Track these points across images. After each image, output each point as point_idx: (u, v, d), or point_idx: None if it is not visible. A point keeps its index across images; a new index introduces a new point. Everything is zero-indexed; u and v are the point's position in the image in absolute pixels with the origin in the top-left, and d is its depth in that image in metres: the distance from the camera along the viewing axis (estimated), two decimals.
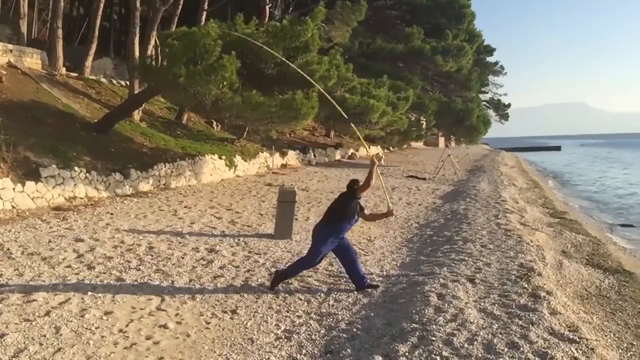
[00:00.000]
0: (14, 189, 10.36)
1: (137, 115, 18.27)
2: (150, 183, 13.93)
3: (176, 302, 5.91)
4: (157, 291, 6.21)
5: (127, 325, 5.19)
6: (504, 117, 70.17)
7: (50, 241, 8.20)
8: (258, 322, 5.46)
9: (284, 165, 22.89)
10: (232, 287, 6.52)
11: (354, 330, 5.30)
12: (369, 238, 9.48)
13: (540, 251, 8.81)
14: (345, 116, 8.48)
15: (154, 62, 16.47)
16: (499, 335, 4.91)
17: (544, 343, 4.74)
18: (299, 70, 9.86)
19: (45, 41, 22.52)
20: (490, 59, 63.77)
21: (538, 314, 5.45)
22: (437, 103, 36.06)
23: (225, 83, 13.18)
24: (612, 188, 26.85)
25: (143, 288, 6.29)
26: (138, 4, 19.24)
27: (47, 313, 5.33)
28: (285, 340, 5.07)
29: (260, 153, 21.37)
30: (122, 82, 22.22)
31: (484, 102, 65.93)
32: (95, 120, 15.47)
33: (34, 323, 5.08)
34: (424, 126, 37.43)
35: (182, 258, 7.70)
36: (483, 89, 65.53)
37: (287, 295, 6.30)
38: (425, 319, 5.32)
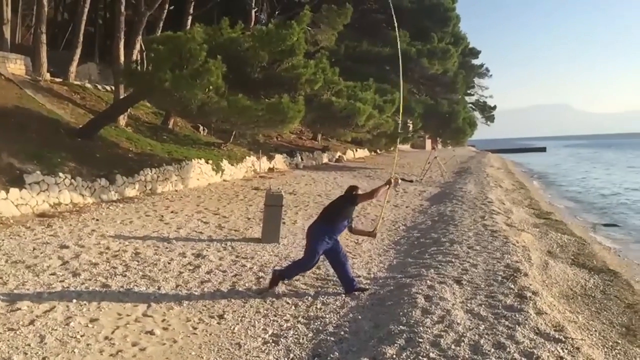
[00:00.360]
0: None
1: (122, 120, 18.16)
2: (136, 188, 13.84)
3: (163, 308, 5.88)
4: (144, 297, 6.17)
5: (112, 332, 5.15)
6: (490, 119, 70.62)
7: (34, 249, 8.11)
8: (245, 327, 5.44)
9: (271, 169, 22.84)
10: (219, 292, 6.50)
11: (342, 333, 5.30)
12: (356, 241, 9.49)
13: (526, 252, 8.87)
14: None
15: (139, 67, 16.38)
16: (486, 336, 4.93)
17: (530, 343, 4.77)
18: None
19: (29, 46, 22.31)
20: (475, 62, 64.30)
21: (524, 314, 5.49)
22: (423, 105, 36.18)
23: (211, 87, 13.14)
24: (595, 188, 27.17)
25: (129, 294, 6.24)
26: (123, 9, 19.14)
27: (32, 322, 5.26)
28: (273, 344, 5.05)
29: (247, 157, 21.32)
30: (108, 87, 22.07)
31: (470, 104, 66.35)
32: (80, 126, 15.35)
33: (18, 332, 5.02)
34: (410, 129, 37.51)
35: (169, 263, 7.66)
36: (469, 91, 65.96)
37: (274, 299, 6.29)
38: (412, 321, 5.33)
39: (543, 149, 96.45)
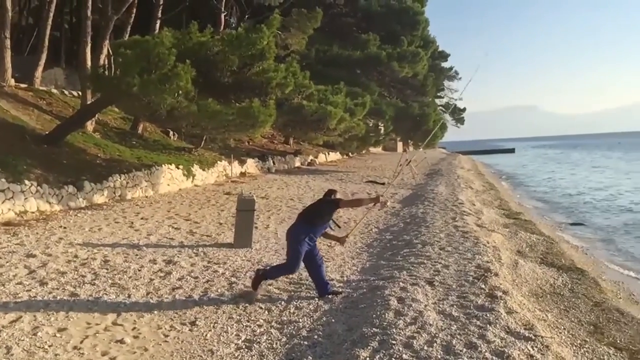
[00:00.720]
0: None
1: (90, 126, 17.85)
2: (105, 195, 13.61)
3: (133, 316, 5.78)
4: (113, 305, 6.06)
5: (81, 342, 5.04)
6: (460, 121, 71.75)
7: (0, 258, 7.90)
8: (218, 333, 5.39)
9: (243, 174, 22.73)
10: (191, 299, 6.42)
11: (315, 337, 5.29)
12: (329, 244, 9.49)
13: (497, 252, 8.99)
14: None
15: (106, 72, 16.14)
16: (458, 336, 4.97)
17: (501, 342, 4.83)
18: None
19: None
20: (445, 65, 65.20)
21: (495, 314, 5.55)
22: (394, 108, 36.48)
23: (180, 92, 13.01)
24: (561, 188, 27.82)
25: (98, 303, 6.12)
26: (89, 13, 18.85)
27: None
28: (246, 350, 5.02)
29: (218, 162, 21.17)
30: (74, 93, 21.65)
31: (440, 107, 67.18)
32: (47, 132, 15.04)
33: None
34: (382, 131, 37.77)
35: (139, 270, 7.54)
36: (439, 94, 66.81)
37: (247, 304, 6.24)
38: (385, 323, 5.35)
39: (512, 150, 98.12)
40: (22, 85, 18.89)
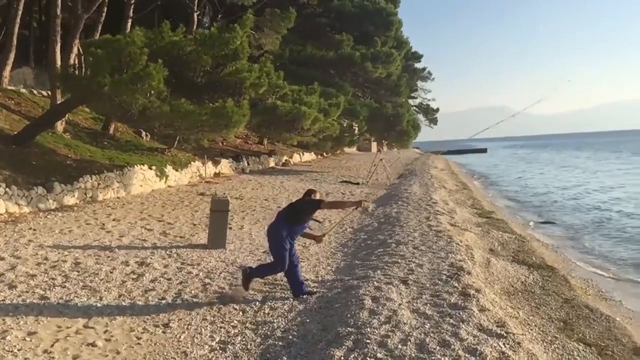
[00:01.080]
0: None
1: (60, 126, 17.52)
2: (76, 196, 13.38)
3: (105, 318, 5.71)
4: (84, 308, 5.97)
5: (52, 346, 4.96)
6: (433, 121, 72.37)
7: None
8: (192, 335, 5.35)
9: (217, 174, 22.57)
10: (164, 300, 6.37)
11: (290, 337, 5.29)
12: (304, 244, 9.49)
13: (470, 250, 9.10)
14: None
15: (77, 72, 15.87)
16: (431, 335, 5.02)
17: (474, 340, 4.89)
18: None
19: None
20: (418, 65, 65.78)
21: (468, 312, 5.63)
22: (368, 109, 36.64)
23: (152, 92, 12.86)
24: (530, 187, 28.33)
25: (69, 306, 6.03)
26: (59, 11, 18.47)
27: None
28: (220, 351, 4.99)
29: (192, 162, 20.98)
30: (44, 92, 21.25)
31: (414, 107, 67.78)
32: (15, 133, 14.72)
33: None
34: (356, 132, 37.90)
35: (111, 272, 7.44)
36: (412, 95, 67.37)
37: (221, 305, 6.22)
38: (360, 322, 5.38)
39: (484, 150, 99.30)
40: None
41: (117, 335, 5.29)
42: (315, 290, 6.85)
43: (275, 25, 27.19)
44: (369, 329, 5.16)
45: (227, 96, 15.23)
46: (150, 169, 17.31)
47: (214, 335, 5.34)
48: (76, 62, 17.93)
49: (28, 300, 6.13)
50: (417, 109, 69.95)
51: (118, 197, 14.75)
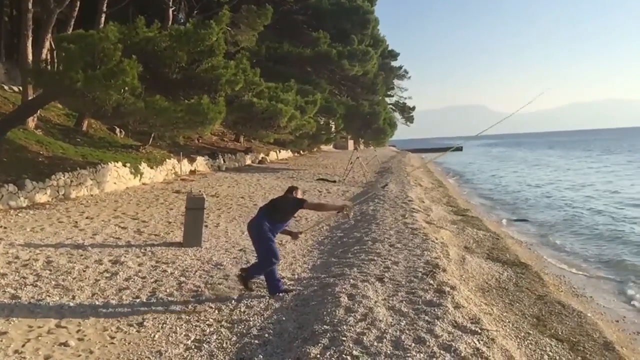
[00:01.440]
0: None
1: (31, 122, 17.20)
2: (48, 194, 13.15)
3: (77, 318, 5.62)
4: (57, 307, 5.88)
5: (23, 346, 4.87)
6: (410, 119, 72.73)
7: None
8: (166, 334, 5.30)
9: (192, 172, 22.38)
10: (139, 299, 6.30)
11: (266, 335, 5.27)
12: (280, 242, 9.45)
13: (445, 248, 9.18)
14: None
15: (49, 67, 15.56)
16: (407, 332, 5.05)
17: (449, 336, 4.93)
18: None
19: None
20: (394, 64, 66.06)
21: (443, 309, 5.67)
22: (344, 106, 36.70)
23: (126, 88, 12.70)
24: (504, 185, 28.74)
25: (41, 305, 5.93)
26: (30, 5, 18.09)
27: None
28: (196, 350, 4.96)
29: (167, 159, 20.78)
30: (15, 88, 20.84)
31: (390, 105, 68.00)
32: None
33: None
34: (333, 129, 37.95)
35: (84, 271, 7.33)
36: (389, 93, 67.67)
37: (197, 304, 6.17)
38: (336, 320, 5.38)
39: (460, 148, 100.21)
40: None
41: (90, 335, 5.21)
42: (291, 288, 6.84)
43: (252, 22, 27.03)
44: (345, 327, 5.17)
45: (202, 93, 15.14)
46: (125, 166, 17.10)
47: (189, 334, 5.30)
48: (48, 57, 17.57)
49: None
50: (393, 107, 70.23)
51: (91, 195, 14.54)
